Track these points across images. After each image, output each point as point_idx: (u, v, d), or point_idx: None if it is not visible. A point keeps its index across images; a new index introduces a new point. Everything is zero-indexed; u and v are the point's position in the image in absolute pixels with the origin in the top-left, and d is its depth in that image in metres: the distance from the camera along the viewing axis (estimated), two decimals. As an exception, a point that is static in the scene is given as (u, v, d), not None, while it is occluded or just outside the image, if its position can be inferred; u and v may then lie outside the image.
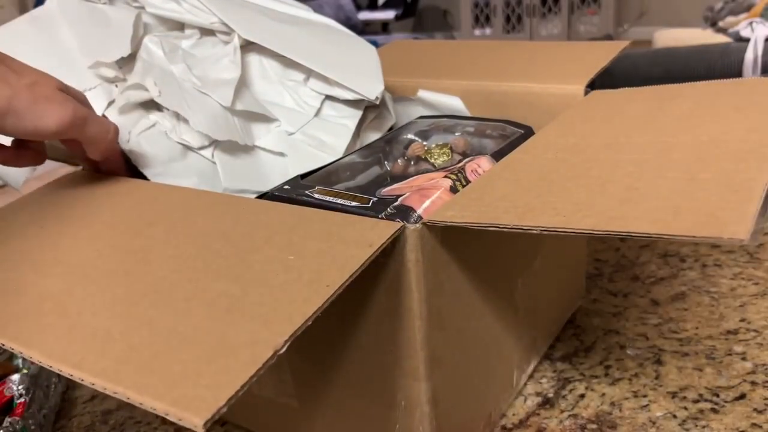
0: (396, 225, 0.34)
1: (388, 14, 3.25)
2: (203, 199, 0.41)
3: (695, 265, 0.64)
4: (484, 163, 0.46)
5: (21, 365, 0.57)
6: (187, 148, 0.51)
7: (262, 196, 0.44)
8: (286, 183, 0.45)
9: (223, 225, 0.37)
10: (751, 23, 1.41)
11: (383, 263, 0.36)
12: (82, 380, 0.27)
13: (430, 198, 0.40)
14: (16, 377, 0.52)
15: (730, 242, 0.27)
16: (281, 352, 0.26)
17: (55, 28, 0.55)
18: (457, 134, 0.53)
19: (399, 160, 0.50)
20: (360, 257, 0.31)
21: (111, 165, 0.48)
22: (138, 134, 0.51)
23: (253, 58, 0.56)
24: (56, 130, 0.40)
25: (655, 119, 0.44)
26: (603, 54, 0.59)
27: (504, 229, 0.32)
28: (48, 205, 0.45)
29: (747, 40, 1.36)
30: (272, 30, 0.56)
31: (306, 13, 0.60)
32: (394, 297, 0.36)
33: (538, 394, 0.50)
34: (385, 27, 3.38)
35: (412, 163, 0.49)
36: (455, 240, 0.38)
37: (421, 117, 0.58)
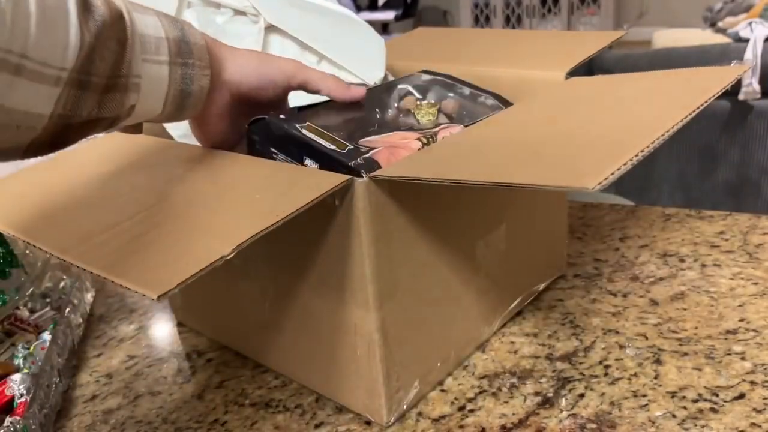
0: (343, 177, 0.41)
1: (388, 15, 3.25)
2: (211, 157, 0.50)
3: (695, 265, 0.64)
4: (456, 132, 0.50)
5: (22, 365, 0.57)
6: None
7: (257, 120, 0.49)
8: (283, 113, 0.50)
9: (216, 173, 0.47)
10: (750, 24, 1.41)
11: (337, 208, 0.43)
12: (66, 260, 0.38)
13: (398, 157, 0.45)
14: (17, 377, 0.52)
15: (580, 191, 0.32)
16: (228, 257, 0.34)
17: None
18: (451, 95, 0.57)
19: (390, 110, 0.54)
20: (308, 198, 0.39)
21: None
22: None
23: (275, 39, 0.64)
24: None
25: (594, 100, 0.50)
26: (593, 44, 0.63)
27: (423, 182, 0.39)
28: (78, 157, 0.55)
29: (746, 41, 1.36)
30: (294, 16, 0.65)
31: (328, 3, 0.69)
32: (345, 237, 0.44)
33: (537, 393, 0.50)
34: (385, 27, 3.37)
35: (402, 115, 0.53)
36: (404, 194, 0.44)
37: (425, 71, 0.61)
